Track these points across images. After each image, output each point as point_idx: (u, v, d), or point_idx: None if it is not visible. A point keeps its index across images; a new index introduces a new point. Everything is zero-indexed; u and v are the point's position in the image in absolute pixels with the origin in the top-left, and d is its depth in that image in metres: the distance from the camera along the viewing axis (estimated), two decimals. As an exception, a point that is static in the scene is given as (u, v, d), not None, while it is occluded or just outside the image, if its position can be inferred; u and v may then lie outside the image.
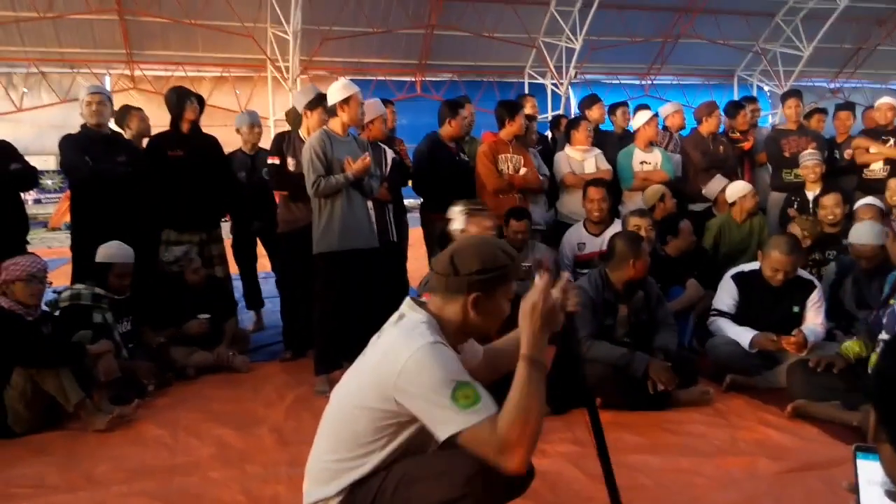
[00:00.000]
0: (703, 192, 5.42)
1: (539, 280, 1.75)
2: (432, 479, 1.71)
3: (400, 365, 1.66)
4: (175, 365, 4.20)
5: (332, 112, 3.99)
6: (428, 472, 1.73)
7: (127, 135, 5.09)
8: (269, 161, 4.56)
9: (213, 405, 3.73)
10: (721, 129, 5.93)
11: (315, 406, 3.55)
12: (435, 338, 1.70)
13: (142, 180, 4.58)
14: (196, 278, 4.50)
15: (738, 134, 6.04)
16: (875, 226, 4.03)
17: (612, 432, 3.12)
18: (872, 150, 5.57)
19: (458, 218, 3.89)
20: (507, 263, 1.80)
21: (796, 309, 3.86)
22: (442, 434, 1.65)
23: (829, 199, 4.74)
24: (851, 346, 3.41)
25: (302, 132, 4.51)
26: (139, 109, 5.31)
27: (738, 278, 3.97)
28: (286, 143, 4.55)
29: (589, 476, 2.33)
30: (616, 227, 4.70)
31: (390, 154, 4.81)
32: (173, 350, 4.24)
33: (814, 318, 3.84)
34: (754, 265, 3.97)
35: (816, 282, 3.95)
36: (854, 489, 1.15)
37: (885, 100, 5.85)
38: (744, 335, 3.78)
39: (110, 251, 4.11)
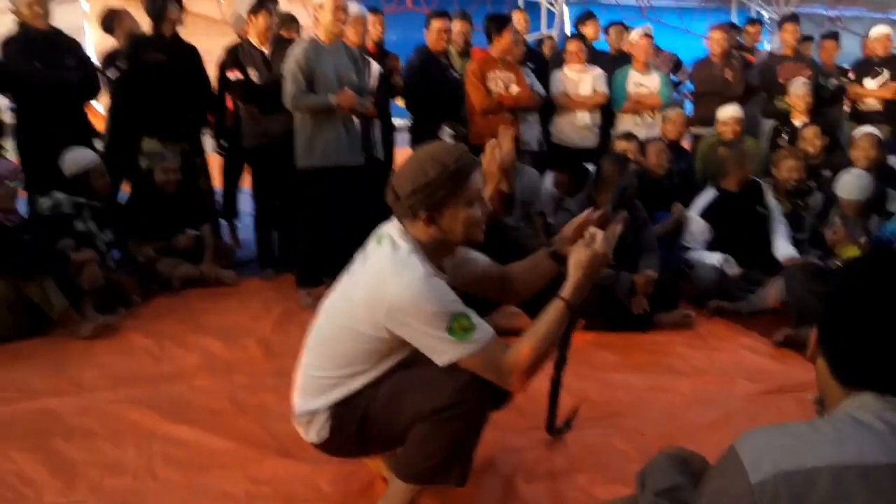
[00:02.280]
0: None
1: (609, 232, 1.76)
2: (423, 389, 1.72)
3: (391, 296, 1.64)
4: (160, 277, 4.18)
5: (285, 18, 3.84)
6: (419, 383, 1.74)
7: (117, 40, 4.89)
8: (231, 76, 4.38)
9: (198, 317, 3.73)
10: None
11: (301, 319, 3.56)
12: (426, 268, 1.67)
13: (93, 86, 4.43)
14: (164, 178, 4.35)
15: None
16: (862, 178, 3.98)
17: (593, 351, 3.23)
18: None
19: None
20: (439, 174, 1.69)
21: (760, 209, 4.14)
22: (440, 362, 1.68)
23: (809, 132, 4.81)
24: (851, 250, 3.46)
25: (252, 39, 4.37)
26: (125, 11, 5.07)
27: (706, 214, 4.11)
28: (242, 54, 4.38)
29: (567, 391, 2.37)
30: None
31: (376, 67, 4.67)
32: (159, 262, 4.21)
33: (775, 222, 4.12)
34: (708, 194, 4.18)
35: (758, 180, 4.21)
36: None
37: (882, 29, 5.72)
38: (717, 257, 3.93)
39: (79, 158, 4.01)
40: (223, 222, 5.33)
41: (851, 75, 5.66)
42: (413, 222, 1.75)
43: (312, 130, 3.79)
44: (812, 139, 4.75)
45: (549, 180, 4.85)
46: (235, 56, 4.35)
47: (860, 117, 5.45)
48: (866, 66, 5.64)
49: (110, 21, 4.97)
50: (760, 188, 4.20)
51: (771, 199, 4.18)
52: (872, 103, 5.52)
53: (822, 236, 4.13)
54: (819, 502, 0.90)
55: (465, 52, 5.13)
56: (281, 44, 4.45)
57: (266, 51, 4.40)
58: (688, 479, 1.30)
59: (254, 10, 4.20)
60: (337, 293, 1.86)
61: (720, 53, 5.57)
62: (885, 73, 5.48)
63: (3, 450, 2.33)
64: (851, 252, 3.46)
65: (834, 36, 6.20)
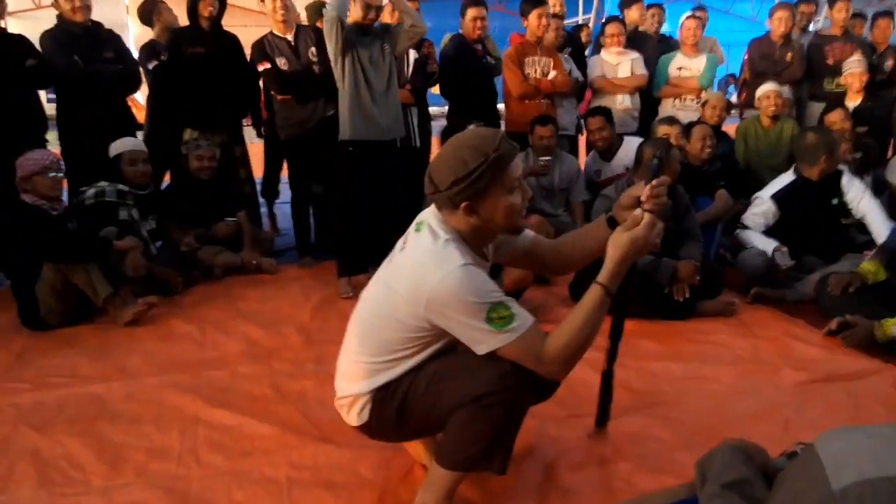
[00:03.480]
0: None
1: (649, 217, 1.70)
2: (465, 375, 1.71)
3: (431, 287, 1.64)
4: (202, 265, 4.24)
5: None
6: (461, 369, 1.73)
7: (154, 31, 4.96)
8: (261, 68, 4.39)
9: (239, 304, 3.78)
10: None
11: (341, 308, 3.60)
12: (464, 259, 1.66)
13: (133, 79, 4.49)
14: (198, 165, 4.40)
15: None
16: None
17: (635, 340, 3.18)
18: None
19: None
20: (481, 162, 1.66)
21: (835, 201, 3.84)
22: (480, 351, 1.67)
23: (835, 116, 4.63)
24: (869, 266, 3.34)
25: (274, 29, 4.42)
26: (163, 3, 5.14)
27: (777, 197, 3.88)
28: (268, 46, 4.39)
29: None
30: (626, 145, 4.58)
31: (412, 54, 4.66)
32: (200, 250, 4.27)
33: (868, 202, 3.80)
34: (786, 178, 3.89)
35: (841, 167, 3.91)
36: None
37: None
38: (769, 246, 3.74)
39: (119, 143, 4.11)
40: (263, 209, 5.39)
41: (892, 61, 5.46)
42: (453, 212, 1.73)
43: (355, 106, 3.77)
44: (841, 122, 4.57)
45: (588, 167, 4.77)
46: (263, 48, 4.38)
47: None
48: None
49: (149, 13, 5.04)
50: (839, 178, 3.87)
51: (854, 185, 3.84)
52: None
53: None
54: None
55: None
56: (303, 30, 4.47)
57: (290, 38, 4.41)
58: (754, 473, 1.25)
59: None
60: (378, 281, 1.86)
61: (781, 34, 5.35)
62: None
63: (53, 434, 2.39)
64: (873, 270, 3.34)
65: (888, 14, 5.94)
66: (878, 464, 0.89)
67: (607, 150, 4.68)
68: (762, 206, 3.91)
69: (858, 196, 3.80)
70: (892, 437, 0.93)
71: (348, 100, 3.75)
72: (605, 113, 4.67)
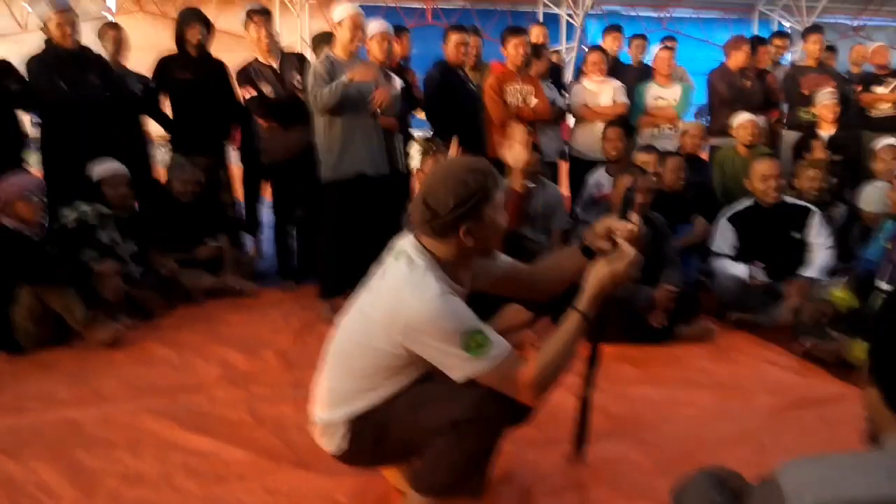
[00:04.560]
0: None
1: (629, 249, 1.76)
2: (443, 402, 1.72)
3: (408, 315, 1.65)
4: (183, 288, 4.22)
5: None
6: (437, 396, 1.74)
7: (106, 52, 4.95)
8: (246, 95, 4.42)
9: (218, 328, 3.77)
10: None
11: (320, 332, 3.58)
12: (442, 288, 1.68)
13: (117, 102, 4.50)
14: (181, 188, 4.41)
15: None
16: (885, 189, 3.95)
17: (612, 364, 3.19)
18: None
19: (414, 157, 3.86)
20: (482, 184, 1.71)
21: (796, 235, 3.89)
22: (457, 378, 1.69)
23: (815, 144, 4.82)
24: (841, 295, 3.40)
25: (258, 56, 4.49)
26: (115, 24, 5.12)
27: (733, 219, 3.98)
28: (253, 72, 4.44)
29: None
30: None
31: (398, 82, 4.71)
32: (181, 273, 4.26)
33: (822, 244, 3.85)
34: (748, 201, 3.99)
35: (814, 208, 3.95)
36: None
37: (879, 42, 5.92)
38: (743, 271, 3.81)
39: (97, 168, 4.10)
40: (248, 235, 5.39)
41: (858, 88, 5.63)
42: (444, 239, 1.74)
43: (336, 140, 3.81)
44: (820, 151, 4.75)
45: (592, 179, 4.79)
46: (247, 75, 4.42)
47: (872, 124, 5.40)
48: (871, 77, 5.63)
49: (102, 33, 5.00)
50: (807, 215, 3.92)
51: (821, 232, 3.89)
52: (885, 108, 5.48)
53: (846, 248, 4.09)
54: None
55: (477, 67, 5.15)
56: (287, 57, 4.52)
57: (275, 65, 4.46)
58: (726, 500, 1.26)
59: (245, 25, 4.26)
60: (354, 309, 1.86)
61: (739, 66, 5.51)
62: (893, 80, 5.46)
63: (25, 459, 2.36)
64: (842, 296, 3.40)
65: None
66: (834, 488, 0.92)
67: (614, 164, 4.72)
68: (719, 227, 4.02)
69: (820, 242, 3.86)
70: (854, 464, 0.96)
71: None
72: (626, 126, 4.77)
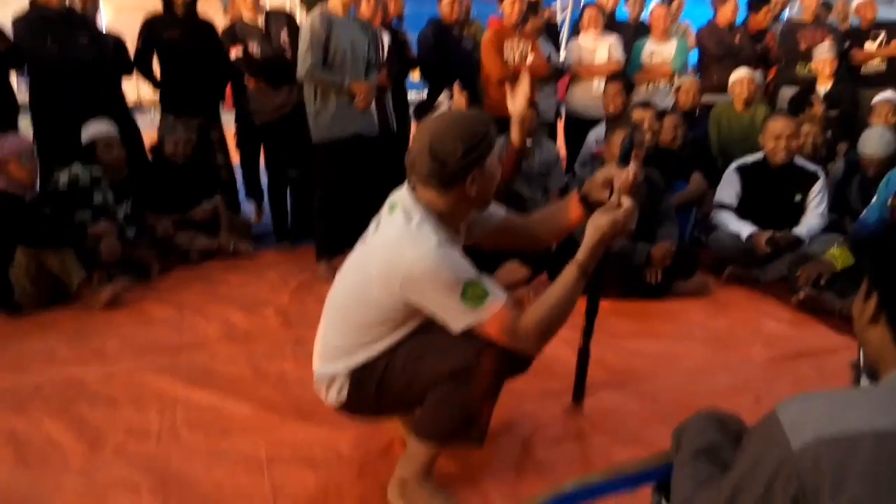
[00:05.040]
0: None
1: (626, 199, 1.76)
2: (442, 352, 1.74)
3: (405, 267, 1.65)
4: (179, 249, 4.22)
5: None
6: (436, 346, 1.75)
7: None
8: (233, 54, 4.35)
9: (217, 288, 3.77)
10: (739, 21, 5.69)
11: (318, 291, 3.60)
12: (439, 239, 1.67)
13: (109, 64, 4.43)
14: (172, 150, 4.36)
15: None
16: (885, 134, 3.96)
17: (610, 319, 3.22)
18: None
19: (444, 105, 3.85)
20: (486, 129, 1.72)
21: (798, 198, 3.87)
22: (455, 329, 1.69)
23: (817, 108, 4.74)
24: (836, 253, 3.41)
25: (244, 16, 4.43)
26: None
27: (741, 170, 3.95)
28: (238, 31, 4.36)
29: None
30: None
31: (386, 39, 4.65)
32: (177, 235, 4.24)
33: (814, 209, 3.85)
34: (758, 156, 3.94)
35: (820, 172, 3.92)
36: (855, 366, 1.18)
37: None
38: (744, 229, 3.80)
39: (89, 129, 4.04)
40: (250, 200, 5.40)
41: (846, 43, 5.58)
42: (452, 189, 1.72)
43: (324, 103, 3.78)
44: (817, 105, 4.72)
45: (593, 135, 4.77)
46: (233, 34, 4.35)
47: (863, 80, 5.39)
48: (859, 32, 5.57)
49: None
50: (813, 180, 3.87)
51: (821, 196, 3.85)
52: (875, 64, 5.45)
53: (843, 203, 4.10)
54: (861, 468, 0.87)
55: (465, 22, 5.08)
56: (274, 15, 4.45)
57: (260, 24, 4.39)
58: (726, 440, 1.28)
59: None
60: (352, 262, 1.86)
61: (729, 20, 5.45)
62: (882, 34, 5.41)
63: (31, 415, 2.38)
64: (840, 256, 3.41)
65: None
66: (833, 423, 0.92)
67: (615, 119, 4.69)
68: (727, 175, 4.01)
69: (814, 206, 3.85)
70: (846, 398, 0.97)
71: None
72: (623, 81, 4.72)
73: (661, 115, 4.53)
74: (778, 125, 3.77)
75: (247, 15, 4.37)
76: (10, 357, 2.89)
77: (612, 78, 4.74)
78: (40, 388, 2.59)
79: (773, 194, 3.84)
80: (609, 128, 4.62)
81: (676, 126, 4.46)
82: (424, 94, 5.03)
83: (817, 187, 3.84)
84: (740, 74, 4.88)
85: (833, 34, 5.45)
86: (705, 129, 5.02)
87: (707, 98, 5.32)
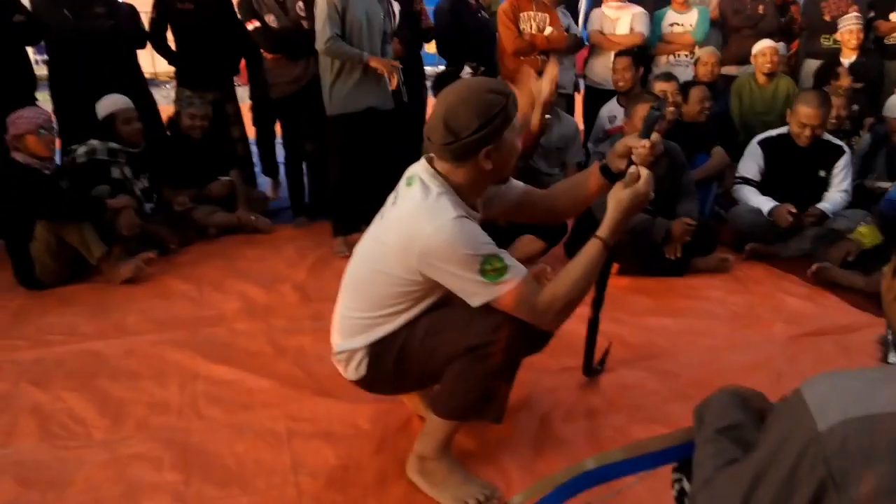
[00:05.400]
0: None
1: (645, 171, 1.73)
2: (460, 327, 1.72)
3: (423, 240, 1.63)
4: (196, 224, 4.23)
5: None
6: (455, 322, 1.74)
7: None
8: (250, 27, 4.27)
9: (235, 263, 3.79)
10: None
11: (336, 266, 3.61)
12: (457, 212, 1.65)
13: (124, 35, 4.41)
14: (190, 123, 4.35)
15: None
16: None
17: (629, 296, 3.21)
18: None
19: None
20: (503, 103, 1.66)
21: (822, 173, 3.80)
22: (474, 304, 1.68)
23: (841, 72, 4.59)
24: (864, 230, 3.36)
25: None
26: None
27: (764, 144, 3.88)
28: (256, 4, 4.27)
29: (603, 335, 2.38)
30: None
31: (396, 7, 4.59)
32: (195, 210, 4.25)
33: (838, 185, 3.78)
34: (783, 130, 3.87)
35: (846, 147, 3.84)
36: (883, 341, 1.16)
37: None
38: (766, 204, 3.74)
39: (107, 102, 4.02)
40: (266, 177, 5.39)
41: (871, 13, 5.41)
42: (466, 162, 1.69)
43: (339, 74, 3.74)
44: (844, 77, 4.58)
45: (605, 111, 4.71)
46: (250, 6, 4.28)
47: (889, 52, 5.24)
48: (886, 2, 5.39)
49: None
50: (838, 155, 3.79)
51: (844, 170, 3.78)
52: None
53: (868, 175, 4.03)
54: (889, 449, 0.85)
55: None
56: None
57: None
58: (749, 418, 1.26)
59: None
60: (370, 236, 1.85)
61: None
62: None
63: (54, 389, 2.41)
64: (868, 234, 3.35)
65: None
66: (861, 403, 0.90)
67: (625, 94, 4.63)
68: (750, 149, 3.93)
69: (839, 182, 3.77)
70: (874, 377, 0.94)
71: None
72: (633, 55, 4.64)
73: (686, 86, 4.44)
74: (807, 111, 3.63)
75: None
76: (32, 332, 2.93)
77: (620, 53, 4.65)
78: (62, 362, 2.63)
79: (796, 169, 3.76)
80: (621, 103, 4.58)
81: (703, 99, 4.37)
82: (439, 68, 4.97)
83: (842, 163, 3.76)
84: (762, 46, 4.78)
85: (858, 4, 5.31)
86: (727, 102, 4.93)
87: (728, 69, 5.22)
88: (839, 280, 3.29)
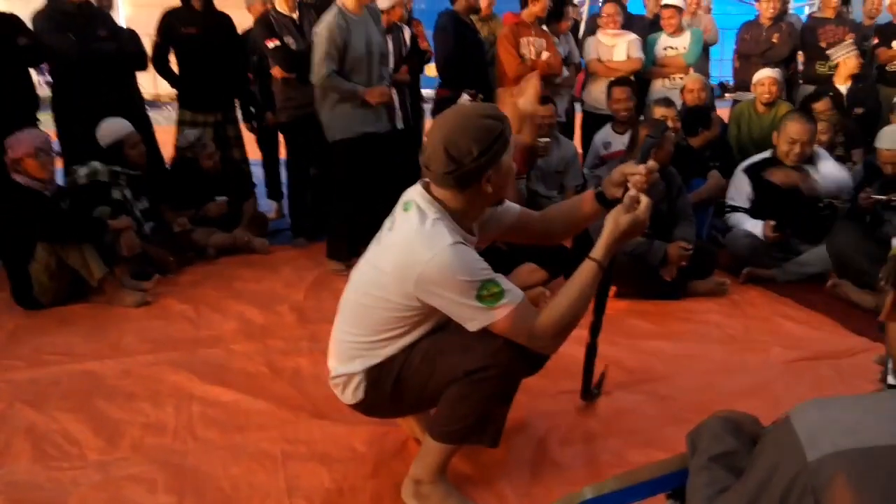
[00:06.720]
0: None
1: (644, 198, 1.75)
2: (458, 352, 1.73)
3: (421, 267, 1.63)
4: (195, 245, 4.24)
5: None
6: (452, 346, 1.75)
7: None
8: (270, 45, 4.33)
9: (233, 284, 3.79)
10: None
11: (334, 287, 3.61)
12: (454, 238, 1.66)
13: (127, 57, 4.46)
14: (210, 164, 4.45)
15: None
16: None
17: (627, 319, 3.21)
18: None
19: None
20: (500, 128, 1.68)
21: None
22: (472, 328, 1.69)
23: (821, 105, 4.59)
24: None
25: (279, 7, 4.38)
26: None
27: (749, 170, 3.92)
28: (275, 23, 4.33)
29: (601, 358, 2.38)
30: None
31: (408, 34, 4.64)
32: (194, 231, 4.27)
33: (831, 168, 3.82)
34: (765, 154, 3.92)
35: (822, 151, 3.90)
36: (883, 361, 1.16)
37: None
38: (758, 227, 3.76)
39: (111, 129, 4.05)
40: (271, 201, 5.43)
41: (875, 40, 5.48)
42: (468, 189, 1.70)
43: (337, 103, 3.77)
44: (827, 110, 4.57)
45: (599, 137, 4.74)
46: (270, 25, 4.32)
47: (888, 79, 5.30)
48: (889, 29, 5.45)
49: None
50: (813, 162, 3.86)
51: (826, 160, 3.88)
52: None
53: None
54: (880, 484, 0.85)
55: (488, 18, 5.07)
56: (305, 9, 4.44)
57: (295, 17, 4.38)
58: (742, 444, 1.26)
59: None
60: (366, 262, 1.85)
61: (770, 16, 5.38)
62: None
63: (49, 410, 2.40)
64: None
65: None
66: (852, 435, 0.89)
67: (624, 123, 4.66)
68: (735, 178, 3.97)
69: (830, 168, 3.82)
70: (866, 406, 0.94)
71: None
72: (631, 84, 4.68)
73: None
74: (795, 128, 3.70)
75: (282, 6, 4.33)
76: (28, 352, 2.92)
77: (615, 82, 4.69)
78: (58, 382, 2.62)
79: (786, 192, 3.80)
80: (616, 129, 4.62)
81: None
82: (435, 92, 5.01)
83: (828, 162, 3.82)
84: (762, 76, 4.83)
85: (855, 31, 5.37)
86: (725, 127, 4.98)
87: (731, 96, 5.29)
88: (852, 297, 3.32)
